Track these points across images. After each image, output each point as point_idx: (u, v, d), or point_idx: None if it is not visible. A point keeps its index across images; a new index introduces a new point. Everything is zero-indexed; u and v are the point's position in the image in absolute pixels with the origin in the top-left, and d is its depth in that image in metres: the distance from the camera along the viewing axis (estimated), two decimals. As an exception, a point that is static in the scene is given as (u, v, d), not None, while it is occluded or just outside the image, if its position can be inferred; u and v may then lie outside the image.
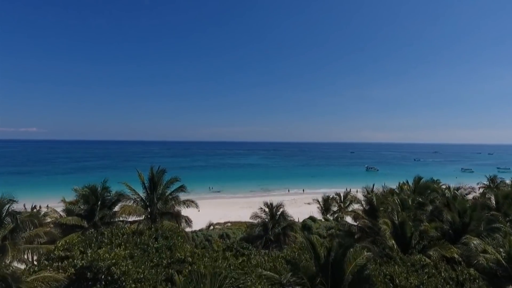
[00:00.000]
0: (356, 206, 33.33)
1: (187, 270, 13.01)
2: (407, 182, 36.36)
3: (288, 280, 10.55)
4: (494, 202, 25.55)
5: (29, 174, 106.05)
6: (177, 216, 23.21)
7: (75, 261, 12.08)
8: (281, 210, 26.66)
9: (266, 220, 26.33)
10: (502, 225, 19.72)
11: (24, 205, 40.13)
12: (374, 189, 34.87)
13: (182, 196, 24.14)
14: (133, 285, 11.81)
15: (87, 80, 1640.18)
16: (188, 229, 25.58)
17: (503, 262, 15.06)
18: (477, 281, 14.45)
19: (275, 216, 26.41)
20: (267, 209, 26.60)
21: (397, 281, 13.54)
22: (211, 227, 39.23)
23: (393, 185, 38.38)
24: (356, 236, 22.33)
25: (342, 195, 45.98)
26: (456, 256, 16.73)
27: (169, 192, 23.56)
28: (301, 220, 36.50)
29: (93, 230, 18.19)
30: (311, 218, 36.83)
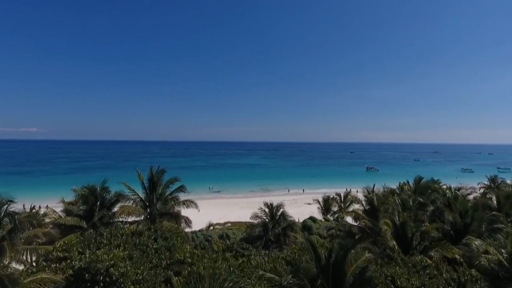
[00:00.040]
0: (356, 206, 33.22)
1: (186, 271, 12.91)
2: (408, 182, 36.27)
3: (288, 282, 10.43)
4: (495, 203, 25.43)
5: (29, 174, 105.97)
6: (177, 217, 23.10)
7: (73, 262, 11.96)
8: (281, 210, 26.55)
9: (266, 220, 26.22)
10: (503, 226, 19.58)
11: (23, 205, 40.01)
12: (374, 189, 34.80)
13: (182, 196, 24.04)
14: (132, 287, 11.71)
15: (87, 80, 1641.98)
16: (188, 230, 25.47)
17: (505, 263, 14.91)
18: (478, 282, 14.33)
19: (275, 216, 26.29)
20: (267, 210, 26.49)
21: (398, 282, 13.43)
22: (211, 228, 39.12)
23: (393, 185, 38.29)
24: (356, 237, 22.20)
25: (342, 195, 45.85)
26: (457, 257, 16.61)
27: (168, 192, 23.46)
28: (301, 221, 36.38)
29: (92, 230, 18.10)
30: (311, 219, 36.71)
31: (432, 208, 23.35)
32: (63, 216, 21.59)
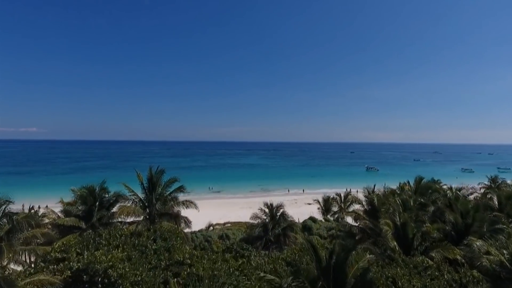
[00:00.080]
0: (356, 207, 33.10)
1: (185, 273, 12.78)
2: (408, 182, 36.15)
3: (289, 284, 10.30)
4: (496, 203, 25.32)
5: (29, 174, 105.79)
6: (176, 217, 22.96)
7: (71, 263, 11.84)
8: (281, 210, 26.41)
9: (266, 220, 26.10)
10: (505, 226, 19.47)
11: (22, 206, 39.89)
12: (375, 190, 34.69)
13: (182, 197, 23.90)
14: (130, 288, 11.57)
15: (87, 81, 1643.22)
16: (187, 230, 25.34)
17: (507, 264, 14.80)
18: (480, 283, 14.24)
19: (275, 216, 26.17)
20: (267, 210, 26.37)
21: (399, 283, 13.32)
22: (211, 228, 38.98)
23: (394, 185, 38.18)
24: (357, 237, 22.11)
25: (342, 195, 45.69)
26: (459, 257, 16.51)
27: (168, 192, 23.32)
28: (301, 221, 36.23)
29: (90, 231, 17.97)
30: (312, 219, 36.56)
31: (433, 209, 23.24)
32: (62, 217, 21.48)
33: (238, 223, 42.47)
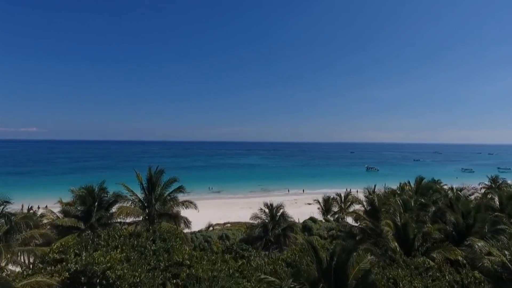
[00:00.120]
0: (357, 207, 32.98)
1: (184, 274, 12.66)
2: (409, 182, 36.06)
3: (289, 286, 10.17)
4: (497, 203, 25.20)
5: (29, 174, 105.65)
6: (176, 217, 22.83)
7: (69, 265, 11.71)
8: (281, 211, 26.30)
9: (266, 221, 25.98)
10: (507, 227, 19.33)
11: (22, 206, 39.74)
12: (375, 190, 34.58)
13: (181, 197, 23.78)
14: (129, 290, 11.45)
15: (87, 81, 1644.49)
16: (187, 230, 25.22)
17: (509, 264, 14.69)
18: (482, 284, 14.13)
19: (275, 217, 26.05)
20: (267, 210, 26.26)
21: (401, 284, 13.21)
22: (211, 228, 38.84)
23: (394, 186, 38.10)
24: (357, 238, 21.96)
25: (342, 195, 45.55)
26: (460, 258, 16.38)
27: (167, 192, 23.20)
28: (301, 221, 36.10)
29: (89, 231, 17.86)
30: (312, 219, 36.41)
31: (434, 209, 23.12)
32: (60, 217, 21.35)
33: (238, 223, 42.34)
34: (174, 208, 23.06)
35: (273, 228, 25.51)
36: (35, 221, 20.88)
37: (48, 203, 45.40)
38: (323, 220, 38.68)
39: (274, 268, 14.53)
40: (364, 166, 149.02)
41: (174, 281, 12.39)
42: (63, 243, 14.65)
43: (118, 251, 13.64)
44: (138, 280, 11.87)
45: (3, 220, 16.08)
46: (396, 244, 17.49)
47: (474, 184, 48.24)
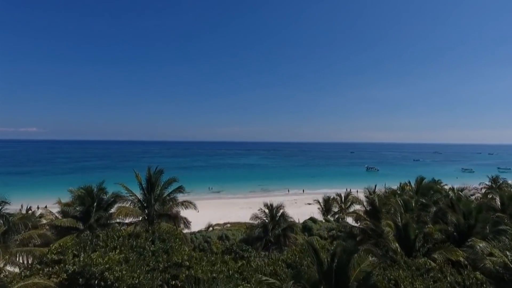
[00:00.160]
0: (357, 207, 32.88)
1: (183, 275, 12.53)
2: (409, 182, 35.93)
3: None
4: (499, 203, 25.06)
5: (28, 174, 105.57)
6: (175, 218, 22.71)
7: (66, 266, 11.58)
8: (281, 211, 26.20)
9: (266, 221, 25.88)
10: (508, 227, 19.18)
11: (21, 206, 39.64)
12: (376, 190, 34.46)
13: (181, 197, 23.67)
14: (127, 291, 11.32)
15: (88, 82, 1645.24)
16: (186, 231, 25.09)
17: (510, 265, 14.57)
18: (484, 285, 13.99)
19: (275, 217, 25.95)
20: (267, 210, 26.16)
21: (402, 286, 13.08)
22: (210, 228, 38.70)
23: (394, 186, 37.97)
24: (358, 238, 21.86)
25: (342, 195, 45.42)
26: (461, 259, 16.25)
27: (167, 193, 23.09)
28: (301, 221, 35.97)
29: (88, 232, 17.74)
30: (312, 219, 36.27)
31: (435, 209, 22.98)
32: (59, 217, 21.23)
33: (238, 223, 42.24)
34: (173, 209, 22.94)
35: (273, 228, 25.40)
36: (34, 221, 20.73)
37: (47, 203, 45.26)
38: (323, 220, 38.53)
39: (274, 269, 14.41)
40: (364, 166, 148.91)
41: (173, 282, 12.27)
42: (61, 244, 14.54)
43: (116, 252, 13.52)
44: (136, 282, 11.74)
45: (1, 221, 15.96)
46: (397, 244, 17.37)
47: (475, 184, 48.16)
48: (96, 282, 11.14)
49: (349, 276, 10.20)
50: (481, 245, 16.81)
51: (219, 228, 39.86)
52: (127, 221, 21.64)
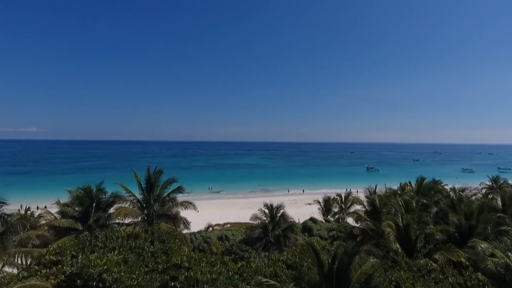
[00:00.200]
0: (357, 207, 32.70)
1: (183, 276, 12.42)
2: (410, 183, 35.79)
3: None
4: (500, 204, 24.92)
5: (28, 174, 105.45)
6: (175, 218, 22.58)
7: (64, 267, 11.46)
8: (281, 211, 26.08)
9: (266, 221, 25.76)
10: (510, 228, 19.04)
11: (20, 206, 39.52)
12: (376, 190, 34.32)
13: (181, 197, 23.57)
14: (126, 293, 11.21)
15: (88, 82, 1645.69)
16: (186, 231, 24.98)
17: (512, 266, 14.45)
18: (485, 286, 13.90)
19: (275, 217, 25.83)
20: (267, 211, 26.03)
21: (403, 287, 12.97)
22: (210, 229, 38.58)
23: (394, 186, 37.83)
24: (358, 239, 21.71)
25: (343, 195, 45.28)
26: (463, 260, 16.14)
27: (166, 193, 22.96)
28: (301, 221, 35.85)
29: (87, 232, 17.63)
30: (312, 220, 36.15)
31: (436, 210, 22.86)
32: (58, 218, 21.12)
33: (238, 223, 42.08)
34: (173, 209, 22.83)
35: (273, 228, 25.28)
36: (32, 222, 20.64)
37: (47, 203, 45.13)
38: (324, 221, 38.42)
39: (274, 270, 14.29)
40: (364, 166, 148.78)
41: (172, 283, 12.15)
42: (59, 245, 14.44)
43: (115, 253, 13.41)
44: (135, 283, 11.64)
45: (-1, 221, 15.84)
46: (398, 245, 17.24)
47: (475, 184, 48.06)
48: (94, 284, 11.03)
49: (350, 278, 10.07)
50: (482, 246, 16.66)
51: (219, 228, 39.72)
52: (126, 221, 21.52)
